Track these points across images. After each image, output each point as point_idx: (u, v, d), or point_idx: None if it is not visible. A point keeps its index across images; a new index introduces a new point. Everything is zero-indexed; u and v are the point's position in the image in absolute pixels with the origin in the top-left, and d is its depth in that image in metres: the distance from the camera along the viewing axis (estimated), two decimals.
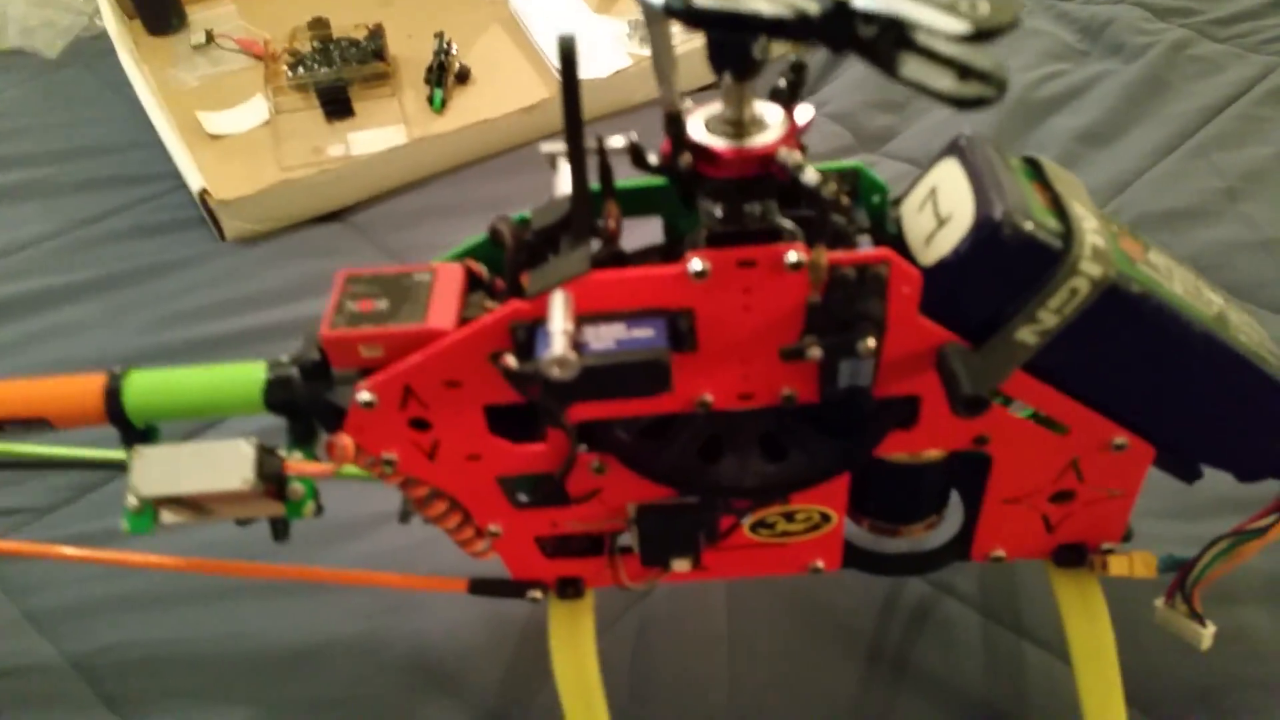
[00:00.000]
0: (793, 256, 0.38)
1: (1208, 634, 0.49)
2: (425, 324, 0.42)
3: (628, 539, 0.50)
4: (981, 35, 0.28)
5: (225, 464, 0.44)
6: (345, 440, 0.44)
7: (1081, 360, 0.43)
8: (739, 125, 0.39)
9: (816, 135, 0.91)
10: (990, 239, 0.39)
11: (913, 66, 0.31)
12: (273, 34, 1.11)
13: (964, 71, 0.30)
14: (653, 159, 0.41)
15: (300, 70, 1.04)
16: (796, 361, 0.41)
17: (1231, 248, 0.80)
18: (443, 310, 0.43)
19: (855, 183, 0.46)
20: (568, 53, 0.37)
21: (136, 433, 0.46)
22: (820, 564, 0.52)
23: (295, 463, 0.45)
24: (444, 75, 1.02)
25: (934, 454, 0.48)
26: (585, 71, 1.03)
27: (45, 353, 0.81)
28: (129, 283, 0.86)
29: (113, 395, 0.45)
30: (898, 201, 0.46)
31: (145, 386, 0.46)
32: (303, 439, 0.47)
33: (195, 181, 0.87)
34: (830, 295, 0.39)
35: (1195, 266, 0.77)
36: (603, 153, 0.41)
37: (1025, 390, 0.44)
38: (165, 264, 0.88)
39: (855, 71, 1.01)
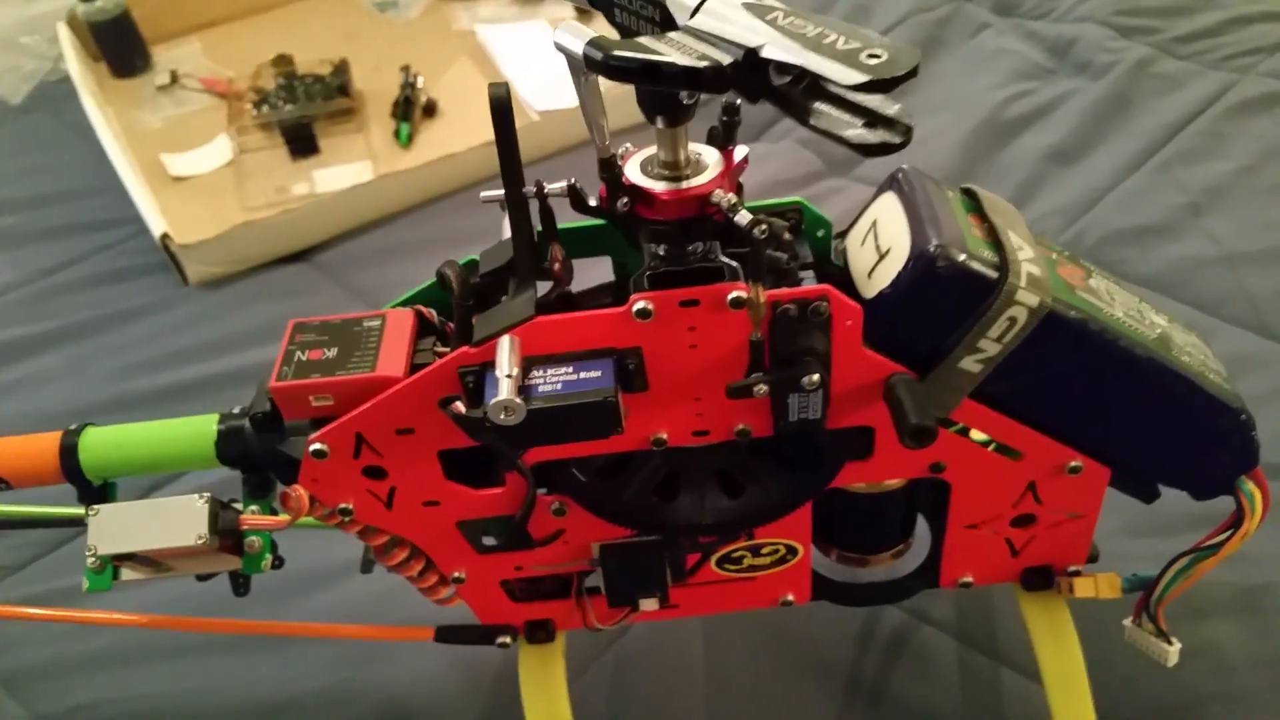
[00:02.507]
0: (734, 295, 0.39)
1: (1174, 651, 0.49)
2: (375, 372, 0.42)
3: (595, 579, 0.50)
4: (876, 86, 0.29)
5: (180, 520, 0.43)
6: (300, 492, 0.44)
7: (1029, 386, 0.43)
8: (675, 168, 0.40)
9: (787, 162, 0.91)
10: (926, 271, 0.40)
11: (823, 115, 0.32)
12: (237, 72, 1.11)
13: (871, 119, 0.31)
14: (593, 201, 0.41)
15: (265, 108, 1.04)
16: (738, 397, 0.41)
17: (1195, 263, 0.81)
18: (393, 357, 0.42)
19: (799, 219, 0.46)
20: (500, 102, 0.37)
21: (94, 490, 0.46)
22: (790, 597, 0.52)
23: (250, 517, 0.45)
24: (410, 109, 1.02)
25: (895, 483, 0.48)
26: (556, 102, 1.04)
27: (10, 406, 0.81)
28: (93, 332, 0.86)
29: (68, 453, 0.45)
30: (842, 235, 0.47)
31: (100, 443, 0.46)
32: (258, 491, 0.47)
33: (157, 226, 0.87)
34: (773, 332, 0.40)
35: (1161, 283, 0.80)
36: (543, 197, 0.42)
37: (976, 417, 0.44)
38: (129, 311, 0.87)
39: None
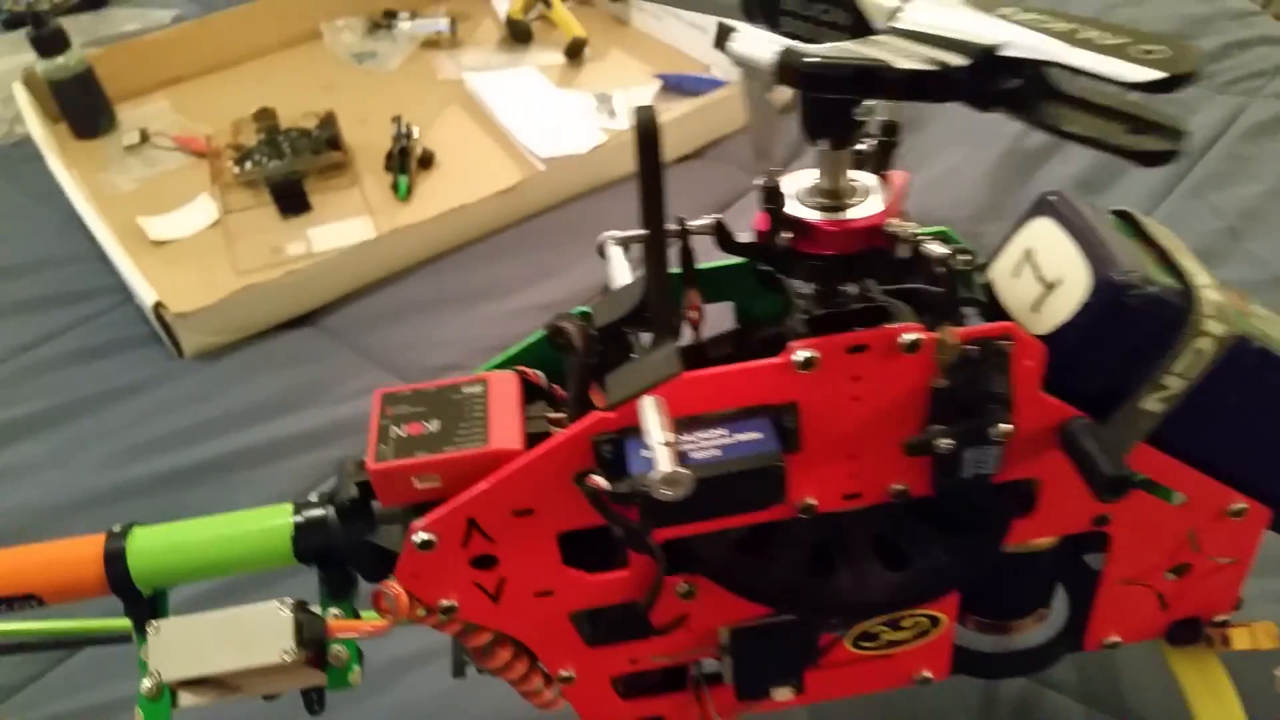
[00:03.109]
0: (909, 337, 0.34)
1: None
2: (489, 445, 0.36)
3: (713, 666, 0.44)
4: (1167, 84, 0.26)
5: (260, 634, 0.37)
6: (397, 589, 0.38)
7: (1198, 423, 0.39)
8: (837, 196, 0.35)
9: None
10: (1113, 301, 0.36)
11: (1081, 121, 0.28)
12: (212, 128, 1.05)
13: (1134, 124, 0.27)
14: (745, 237, 0.36)
15: (248, 165, 0.97)
16: (918, 454, 0.36)
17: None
18: (505, 428, 0.37)
19: None
20: (647, 127, 0.32)
21: (143, 601, 0.39)
22: (928, 674, 0.46)
23: (340, 622, 0.39)
24: (407, 160, 0.96)
25: (1047, 540, 0.43)
26: (563, 148, 0.99)
27: None
28: (80, 413, 0.77)
29: (115, 561, 0.38)
30: (983, 266, 0.43)
31: (152, 547, 0.39)
32: (339, 590, 0.41)
33: (147, 295, 0.79)
34: (952, 376, 0.35)
35: None
36: (685, 235, 0.37)
37: (1145, 462, 0.40)
38: (119, 389, 0.79)
39: None
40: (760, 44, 0.29)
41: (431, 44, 1.20)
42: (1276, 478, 0.42)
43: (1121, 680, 0.55)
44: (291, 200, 0.94)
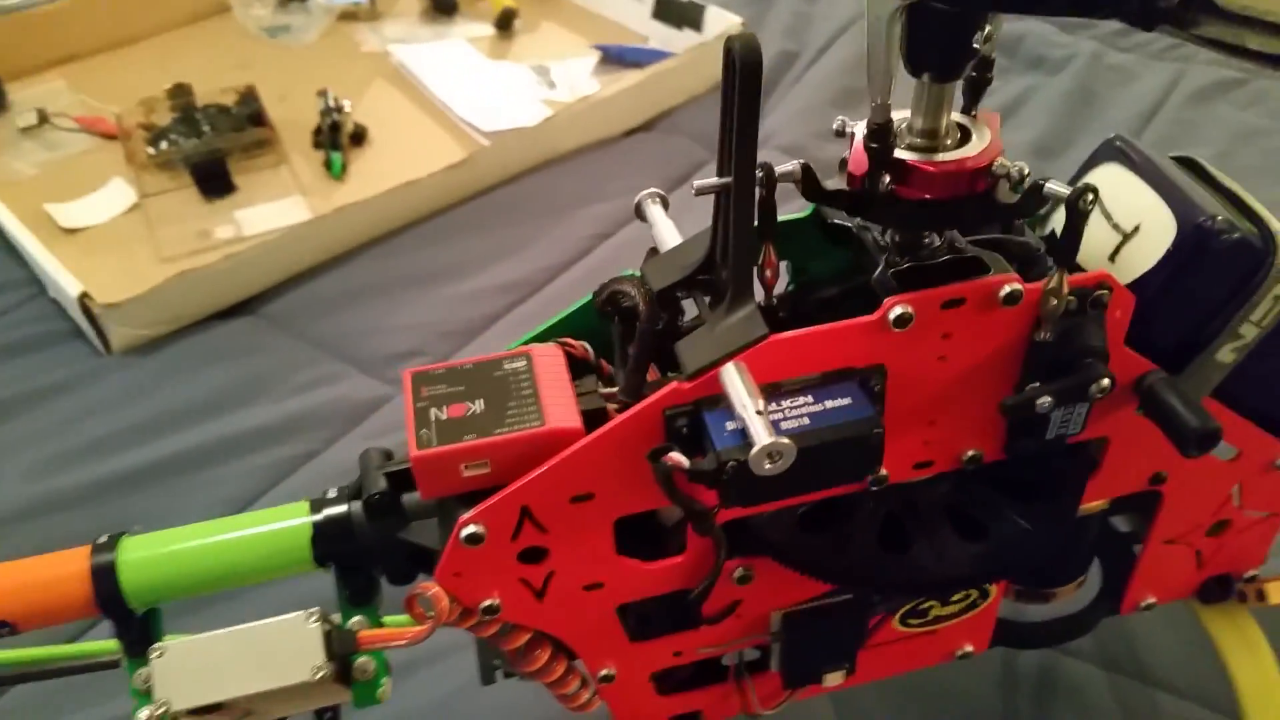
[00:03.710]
0: (1010, 289, 0.32)
1: None
2: (546, 425, 0.32)
3: (755, 655, 0.42)
4: None
5: (285, 650, 0.33)
6: (437, 591, 0.33)
7: (1255, 374, 0.38)
8: (935, 136, 0.32)
9: None
10: (1201, 247, 0.35)
11: (1256, 39, 0.26)
12: (120, 108, 0.96)
13: None
14: (834, 183, 0.33)
15: (164, 144, 0.90)
16: (1015, 415, 0.34)
17: None
18: (560, 406, 0.33)
19: None
20: (749, 56, 0.29)
21: (135, 621, 0.34)
22: (969, 648, 0.45)
23: (374, 632, 0.34)
24: (338, 137, 0.90)
25: (1098, 503, 0.42)
26: (507, 122, 0.94)
27: None
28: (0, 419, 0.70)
29: (104, 576, 0.33)
30: (1047, 215, 0.41)
31: (147, 558, 0.34)
32: (361, 597, 0.36)
33: (70, 286, 0.72)
34: (1056, 329, 0.33)
35: None
36: (770, 184, 0.33)
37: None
38: (41, 390, 0.71)
39: (796, 102, 0.96)
40: None
41: (349, 16, 1.13)
42: None
43: (1137, 643, 0.55)
44: (214, 181, 0.87)
